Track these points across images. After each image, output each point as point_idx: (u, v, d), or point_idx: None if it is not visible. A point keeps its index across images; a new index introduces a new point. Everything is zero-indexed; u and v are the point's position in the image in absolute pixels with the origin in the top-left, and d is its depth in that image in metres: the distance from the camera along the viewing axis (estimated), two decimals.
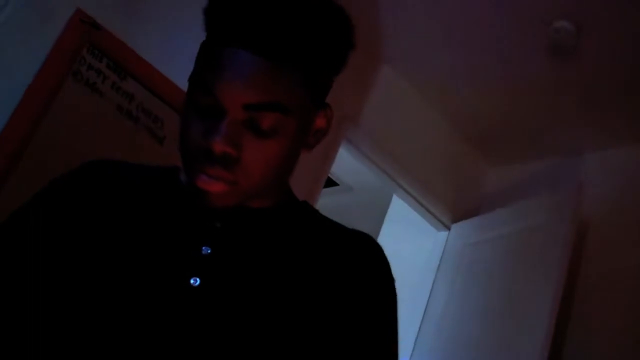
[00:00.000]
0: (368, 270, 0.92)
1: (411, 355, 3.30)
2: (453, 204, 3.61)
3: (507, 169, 3.72)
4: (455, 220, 3.59)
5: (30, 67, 1.89)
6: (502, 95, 3.27)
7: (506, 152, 3.67)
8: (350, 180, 4.43)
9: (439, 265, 3.50)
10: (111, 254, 0.84)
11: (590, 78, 2.93)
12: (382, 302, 0.92)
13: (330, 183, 4.35)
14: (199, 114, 0.82)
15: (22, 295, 0.85)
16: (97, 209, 0.90)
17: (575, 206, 2.92)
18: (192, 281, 0.82)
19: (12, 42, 1.90)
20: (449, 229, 3.60)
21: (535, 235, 3.01)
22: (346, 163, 3.55)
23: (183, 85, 0.89)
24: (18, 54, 1.90)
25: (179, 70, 1.86)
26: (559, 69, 2.95)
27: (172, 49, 2.05)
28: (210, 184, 0.81)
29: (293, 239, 0.92)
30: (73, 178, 0.94)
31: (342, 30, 0.86)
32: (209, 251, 0.85)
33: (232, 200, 0.84)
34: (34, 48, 1.93)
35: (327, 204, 2.61)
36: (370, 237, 0.96)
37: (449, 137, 3.63)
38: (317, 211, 1.00)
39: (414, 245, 3.68)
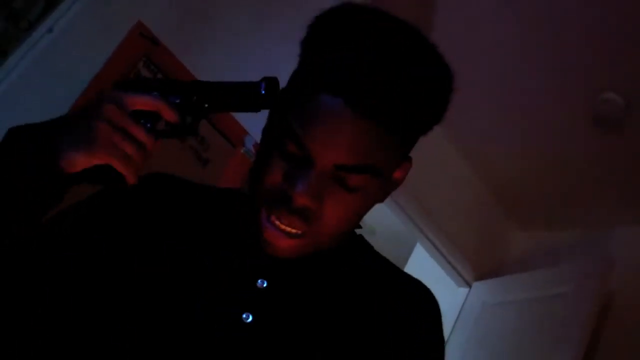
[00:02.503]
0: (424, 323, 0.90)
1: None
2: (477, 262, 3.57)
3: (535, 234, 3.68)
4: (478, 278, 3.55)
5: (87, 74, 1.91)
6: (540, 161, 3.24)
7: (536, 217, 3.63)
8: (374, 222, 4.40)
9: (455, 322, 3.45)
10: (164, 273, 0.82)
11: (632, 154, 2.90)
12: (434, 346, 0.90)
13: None
14: (283, 155, 0.78)
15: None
16: (158, 222, 0.88)
17: (601, 279, 2.87)
18: (244, 316, 0.80)
19: (73, 47, 1.92)
20: (470, 286, 3.55)
21: (558, 304, 2.96)
22: None
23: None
24: (77, 59, 1.92)
25: None
26: (602, 141, 2.92)
27: (229, 75, 2.05)
28: (279, 239, 0.79)
29: (350, 278, 0.89)
30: (138, 185, 0.94)
31: (447, 93, 0.82)
32: (264, 285, 0.83)
33: (295, 254, 0.82)
34: (93, 56, 1.95)
35: None
36: (427, 288, 0.93)
37: (480, 195, 3.60)
38: (372, 247, 0.97)
39: None
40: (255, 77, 0.85)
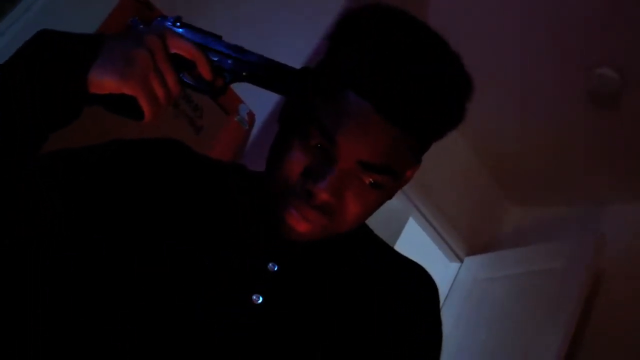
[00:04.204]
0: (424, 304, 0.93)
1: None
2: (469, 237, 3.58)
3: (528, 210, 3.69)
4: (469, 253, 3.56)
5: None
6: (534, 137, 3.24)
7: (530, 193, 3.64)
8: None
9: (447, 296, 3.46)
10: (172, 254, 0.81)
11: (628, 130, 2.90)
12: (434, 338, 0.92)
13: None
14: (304, 145, 0.79)
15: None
16: (166, 193, 0.87)
17: (593, 255, 2.89)
18: (254, 297, 0.80)
19: (67, 10, 1.89)
20: (461, 261, 3.56)
21: (549, 279, 2.98)
22: None
23: None
24: (70, 23, 1.89)
25: None
26: (597, 117, 2.92)
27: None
28: (299, 222, 0.79)
29: (356, 263, 0.92)
30: (151, 145, 0.92)
31: (466, 103, 0.85)
32: (275, 268, 0.84)
33: (313, 238, 0.83)
34: (86, 19, 1.92)
35: None
36: (428, 273, 0.97)
37: (474, 170, 3.60)
38: (372, 231, 0.99)
39: None
40: (249, 43, 0.86)
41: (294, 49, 2.10)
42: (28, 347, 0.79)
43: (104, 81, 0.74)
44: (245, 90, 2.00)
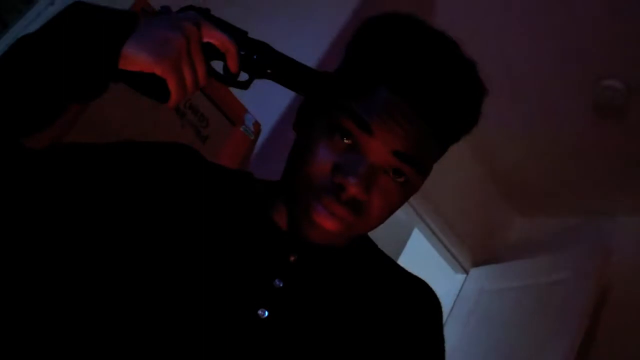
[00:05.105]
0: (428, 321, 0.93)
1: None
2: (475, 248, 3.57)
3: (534, 221, 3.68)
4: (475, 264, 3.55)
5: None
6: (540, 147, 3.24)
7: (536, 204, 3.63)
8: None
9: (452, 308, 3.45)
10: (175, 266, 0.80)
11: (635, 142, 2.89)
12: (436, 355, 0.93)
13: None
14: (332, 142, 0.80)
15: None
16: (174, 200, 0.86)
17: (599, 267, 2.87)
18: (260, 312, 0.80)
19: None
20: (467, 272, 3.55)
21: (556, 290, 2.96)
22: None
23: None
24: None
25: None
26: (603, 128, 2.91)
27: None
28: (328, 220, 0.79)
29: (362, 280, 0.91)
30: (163, 148, 0.91)
31: (480, 109, 0.87)
32: (281, 284, 0.83)
33: (334, 240, 0.83)
34: None
35: None
36: (432, 289, 0.97)
37: (480, 181, 3.59)
38: (376, 245, 0.99)
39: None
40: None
41: (300, 56, 2.11)
42: (29, 347, 0.79)
43: (138, 57, 0.74)
44: (250, 100, 2.01)
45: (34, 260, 0.80)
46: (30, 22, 1.85)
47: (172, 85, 0.76)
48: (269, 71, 0.84)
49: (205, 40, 0.80)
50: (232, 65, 0.82)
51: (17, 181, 0.77)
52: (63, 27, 0.75)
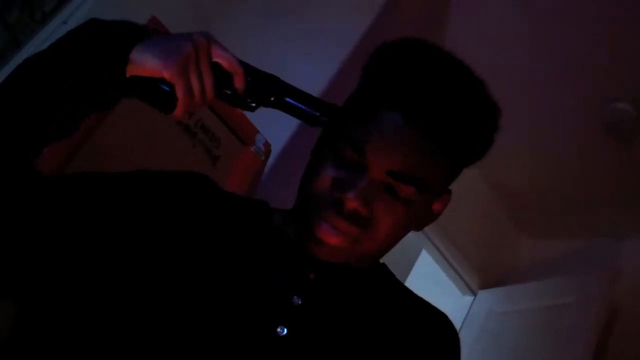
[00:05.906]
0: (446, 351, 0.93)
1: None
2: (482, 270, 3.56)
3: (542, 243, 3.66)
4: (483, 286, 3.53)
5: None
6: (549, 169, 3.24)
7: (544, 226, 3.62)
8: None
9: (460, 330, 3.43)
10: (197, 280, 0.80)
11: None
12: None
13: None
14: (335, 162, 0.82)
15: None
16: (190, 227, 0.86)
17: (608, 289, 2.86)
18: (279, 330, 0.80)
19: None
20: (475, 294, 3.53)
21: (564, 313, 2.95)
22: None
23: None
24: None
25: None
26: (613, 150, 2.91)
27: None
28: (331, 235, 0.80)
29: (379, 304, 0.92)
30: (178, 178, 0.92)
31: (494, 130, 0.88)
32: (299, 302, 0.83)
33: (342, 258, 0.84)
34: None
35: None
36: (448, 318, 0.97)
37: (488, 203, 3.59)
38: (393, 275, 1.00)
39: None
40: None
41: (309, 79, 2.13)
42: (33, 351, 0.79)
43: (146, 61, 0.76)
44: (261, 121, 2.02)
45: (52, 293, 0.80)
46: (43, 41, 1.88)
47: (179, 90, 0.77)
48: (272, 99, 0.86)
49: (214, 59, 0.81)
50: (239, 85, 0.83)
51: (31, 207, 0.79)
52: (77, 37, 0.79)
